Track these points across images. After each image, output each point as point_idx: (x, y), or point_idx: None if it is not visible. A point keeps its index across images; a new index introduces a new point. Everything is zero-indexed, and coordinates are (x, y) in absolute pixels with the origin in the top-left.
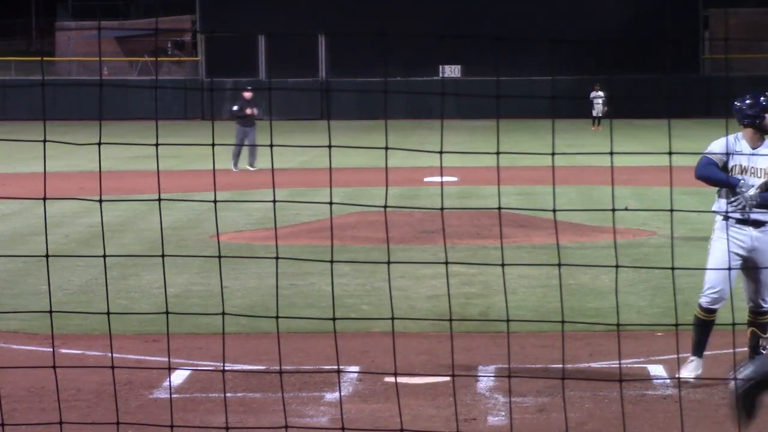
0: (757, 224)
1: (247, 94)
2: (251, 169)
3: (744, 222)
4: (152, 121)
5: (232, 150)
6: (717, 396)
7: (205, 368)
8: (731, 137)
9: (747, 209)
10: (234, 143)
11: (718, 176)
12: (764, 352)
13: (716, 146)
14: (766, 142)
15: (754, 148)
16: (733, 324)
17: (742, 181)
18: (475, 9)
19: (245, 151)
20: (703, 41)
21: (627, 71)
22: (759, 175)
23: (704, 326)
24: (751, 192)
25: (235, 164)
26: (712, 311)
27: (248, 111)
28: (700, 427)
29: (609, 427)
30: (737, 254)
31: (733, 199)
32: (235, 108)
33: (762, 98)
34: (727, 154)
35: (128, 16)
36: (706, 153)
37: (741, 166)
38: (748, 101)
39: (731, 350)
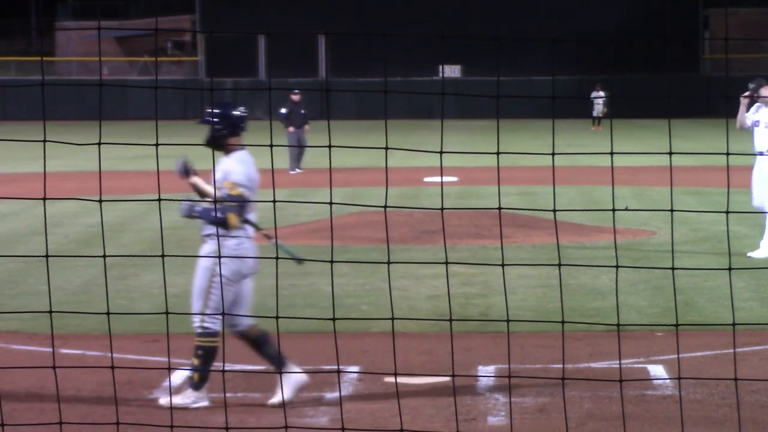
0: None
1: (295, 97)
2: (299, 171)
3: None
4: (152, 121)
5: (291, 153)
6: (717, 396)
7: None
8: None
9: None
10: (289, 145)
11: None
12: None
13: None
14: (228, 157)
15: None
16: (734, 324)
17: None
18: (475, 9)
19: (286, 152)
20: (703, 41)
21: (627, 71)
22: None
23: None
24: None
25: (294, 167)
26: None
27: (303, 111)
28: (700, 427)
29: (609, 427)
30: None
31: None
32: (283, 111)
33: (237, 116)
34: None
35: (128, 16)
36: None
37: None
38: (228, 111)
39: (731, 350)
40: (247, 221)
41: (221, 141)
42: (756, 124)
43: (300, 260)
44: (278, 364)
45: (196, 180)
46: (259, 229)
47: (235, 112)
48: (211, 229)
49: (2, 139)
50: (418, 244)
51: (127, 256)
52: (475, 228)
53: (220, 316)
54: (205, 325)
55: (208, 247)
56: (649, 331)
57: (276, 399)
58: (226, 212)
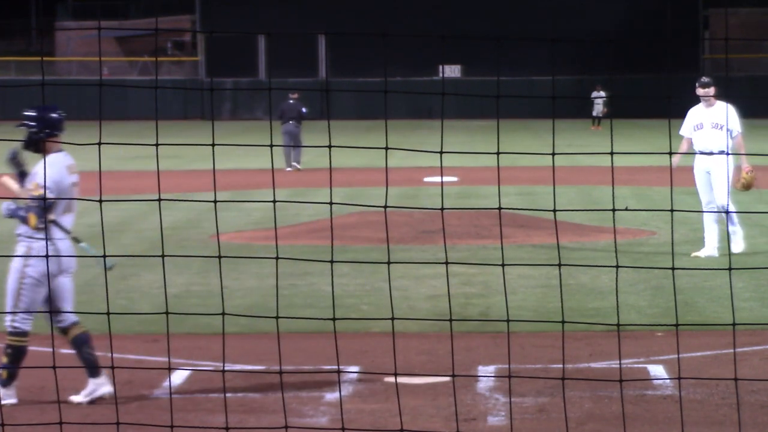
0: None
1: (296, 95)
2: (299, 166)
3: None
4: (152, 121)
5: (298, 150)
6: (717, 396)
7: (205, 368)
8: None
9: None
10: (294, 144)
11: None
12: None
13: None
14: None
15: None
16: (734, 324)
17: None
18: (475, 9)
19: (280, 150)
20: (703, 41)
21: (627, 71)
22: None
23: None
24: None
25: (290, 164)
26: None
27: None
28: (700, 427)
29: (609, 427)
30: None
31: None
32: (305, 110)
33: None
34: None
35: (128, 16)
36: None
37: None
38: (45, 113)
39: (731, 350)
40: (54, 223)
41: (39, 143)
42: (699, 126)
43: (109, 267)
44: (92, 370)
45: (5, 179)
46: (68, 232)
47: (52, 114)
48: (22, 230)
49: (2, 139)
50: (418, 244)
51: (127, 256)
52: (475, 228)
53: (30, 316)
54: (15, 324)
55: (20, 247)
56: (649, 331)
57: (78, 397)
58: (28, 212)
